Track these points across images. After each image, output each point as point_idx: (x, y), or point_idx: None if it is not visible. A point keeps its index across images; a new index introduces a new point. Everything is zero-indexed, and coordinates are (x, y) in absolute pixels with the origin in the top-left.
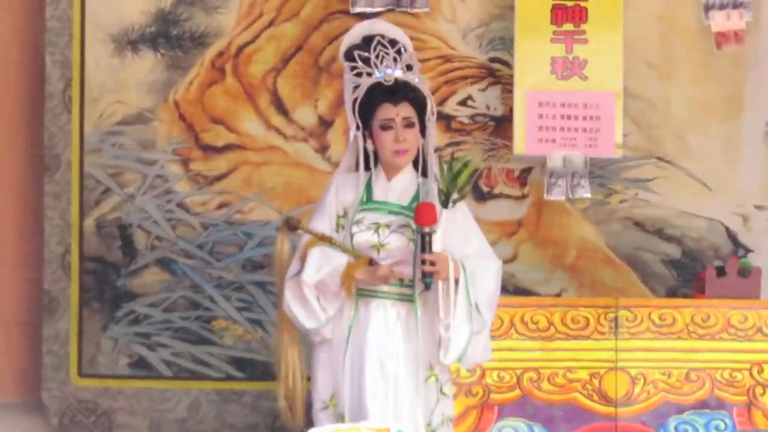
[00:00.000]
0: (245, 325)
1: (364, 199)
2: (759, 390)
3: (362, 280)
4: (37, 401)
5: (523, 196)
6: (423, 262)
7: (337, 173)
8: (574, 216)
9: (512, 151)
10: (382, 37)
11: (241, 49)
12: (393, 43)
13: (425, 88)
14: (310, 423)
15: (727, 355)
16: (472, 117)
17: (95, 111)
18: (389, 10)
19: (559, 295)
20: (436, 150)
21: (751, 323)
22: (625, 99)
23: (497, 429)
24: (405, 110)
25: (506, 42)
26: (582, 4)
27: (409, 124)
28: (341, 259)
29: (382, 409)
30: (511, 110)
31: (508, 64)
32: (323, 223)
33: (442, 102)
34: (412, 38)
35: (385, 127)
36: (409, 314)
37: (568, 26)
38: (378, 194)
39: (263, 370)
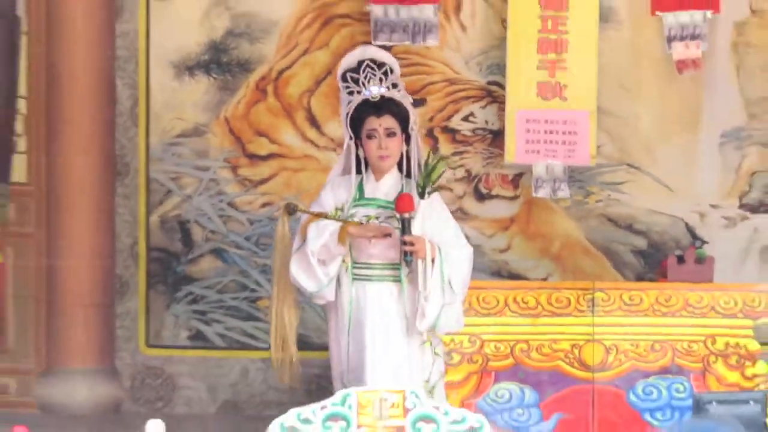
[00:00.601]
0: None
1: (357, 197)
2: (712, 359)
3: (356, 233)
4: (112, 368)
5: (516, 197)
6: (404, 243)
7: (331, 176)
8: (558, 213)
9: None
10: (372, 61)
11: (280, 73)
12: (381, 65)
13: (408, 103)
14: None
15: (686, 330)
16: (473, 130)
17: (158, 126)
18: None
19: (545, 279)
20: (443, 158)
21: (706, 303)
22: (600, 115)
23: (494, 391)
24: (387, 122)
25: (502, 68)
26: (563, 36)
27: (391, 134)
28: (337, 225)
29: (383, 376)
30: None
31: (503, 86)
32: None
33: (448, 118)
34: (422, 65)
35: (370, 137)
36: (400, 292)
37: (552, 55)
38: (368, 192)
39: (302, 342)
